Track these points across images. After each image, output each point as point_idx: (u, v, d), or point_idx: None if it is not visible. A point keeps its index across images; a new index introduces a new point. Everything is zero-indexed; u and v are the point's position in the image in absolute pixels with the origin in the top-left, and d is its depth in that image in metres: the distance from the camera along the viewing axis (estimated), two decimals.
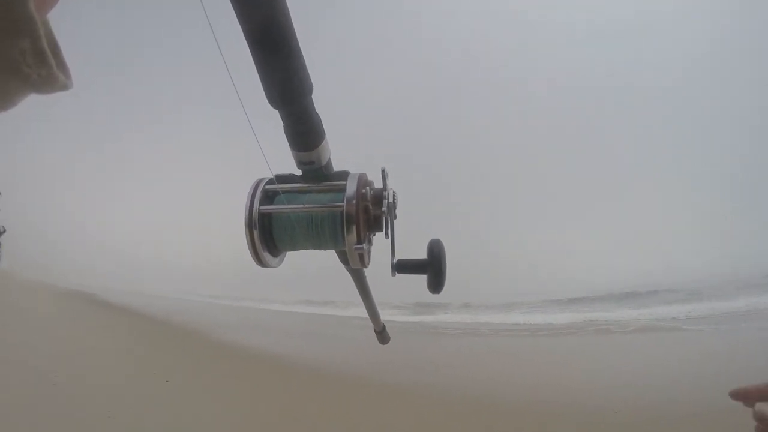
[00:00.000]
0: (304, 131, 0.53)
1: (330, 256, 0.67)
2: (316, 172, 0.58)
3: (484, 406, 4.38)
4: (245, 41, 0.45)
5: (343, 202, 0.55)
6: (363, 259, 0.57)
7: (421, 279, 0.61)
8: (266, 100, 0.49)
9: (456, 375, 5.90)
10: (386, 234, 0.59)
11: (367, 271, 0.74)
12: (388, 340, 1.04)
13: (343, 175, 0.59)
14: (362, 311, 0.91)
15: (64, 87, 0.37)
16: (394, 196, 0.59)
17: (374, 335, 1.05)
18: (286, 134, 0.54)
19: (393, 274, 0.61)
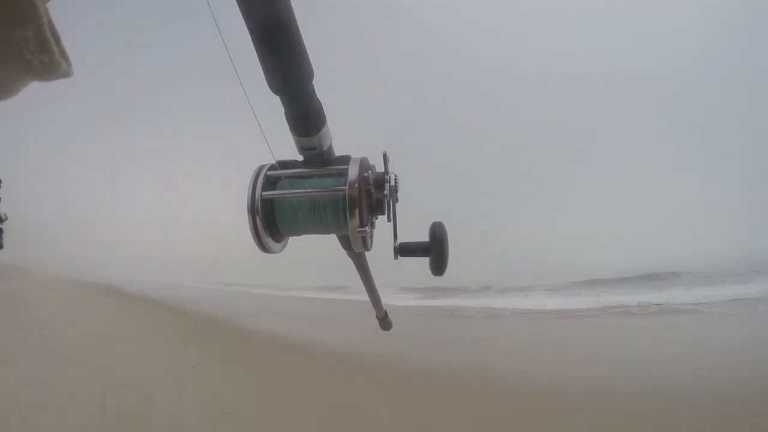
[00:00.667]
0: (305, 116, 0.53)
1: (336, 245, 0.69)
2: (318, 157, 0.59)
3: (503, 390, 4.40)
4: (246, 27, 0.45)
5: (345, 186, 0.55)
6: (366, 242, 0.58)
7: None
8: (267, 86, 0.50)
9: (475, 358, 5.93)
10: (388, 217, 0.59)
11: (380, 259, 0.73)
12: (390, 327, 1.04)
13: (345, 159, 0.59)
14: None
15: (66, 74, 0.38)
16: (395, 179, 0.59)
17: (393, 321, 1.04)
18: (287, 120, 0.54)
19: (396, 257, 0.61)
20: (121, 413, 3.40)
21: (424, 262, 0.61)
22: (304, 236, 0.64)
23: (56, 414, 3.32)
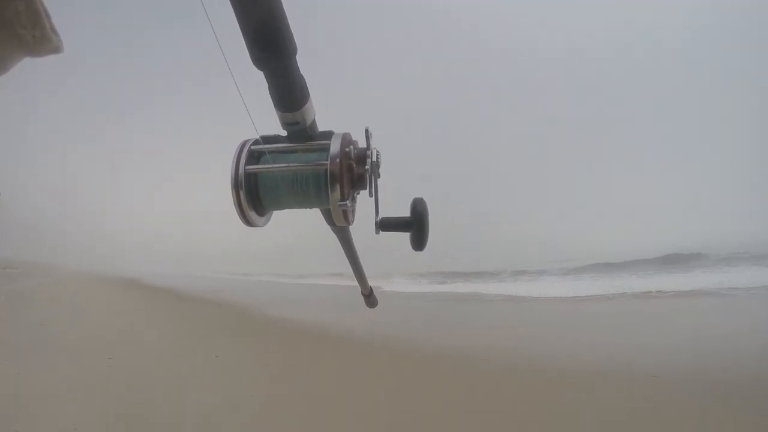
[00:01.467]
0: (288, 92, 0.53)
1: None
2: (302, 133, 0.59)
3: (523, 371, 4.37)
4: (230, 5, 0.45)
5: (327, 160, 0.56)
6: (347, 216, 0.59)
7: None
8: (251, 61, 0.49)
9: (495, 341, 5.90)
10: (370, 192, 0.59)
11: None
12: (376, 304, 1.05)
13: (328, 135, 0.59)
14: (389, 283, 0.86)
15: (57, 50, 0.38)
16: (377, 155, 0.59)
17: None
18: (270, 95, 0.54)
19: (377, 232, 0.61)
20: (146, 404, 3.44)
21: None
22: (314, 224, 0.66)
23: (83, 407, 3.36)
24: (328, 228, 0.70)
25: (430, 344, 5.48)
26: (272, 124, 0.59)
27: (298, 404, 3.55)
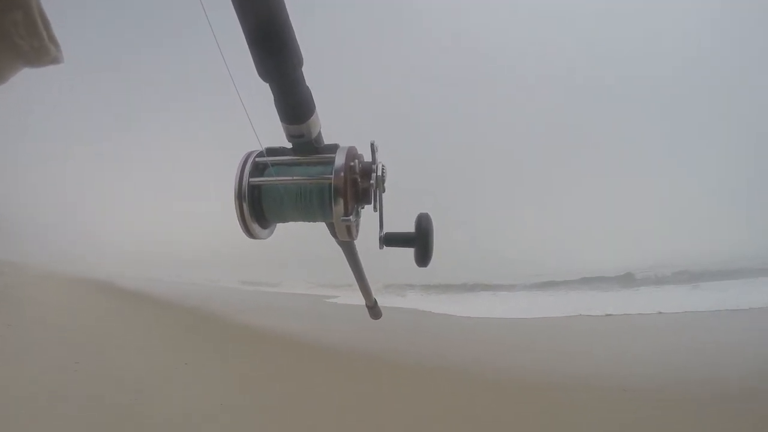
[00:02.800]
0: (294, 104, 0.53)
1: (329, 241, 0.69)
2: (307, 145, 0.58)
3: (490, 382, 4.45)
4: (236, 16, 0.45)
5: (331, 174, 0.55)
6: (350, 232, 0.58)
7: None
8: (257, 74, 0.50)
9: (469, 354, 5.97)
10: (374, 207, 0.59)
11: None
12: (380, 316, 1.04)
13: (333, 148, 0.59)
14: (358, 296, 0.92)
15: (55, 60, 0.38)
16: (383, 169, 0.59)
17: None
18: (276, 107, 0.54)
19: (381, 247, 0.62)
20: (113, 410, 3.40)
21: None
22: (291, 233, 0.66)
23: (48, 412, 3.31)
24: (304, 237, 0.70)
25: (398, 354, 5.54)
26: (276, 134, 0.59)
27: (268, 414, 3.56)
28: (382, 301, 1.05)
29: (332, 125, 0.62)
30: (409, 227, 0.61)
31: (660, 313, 8.61)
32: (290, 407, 3.73)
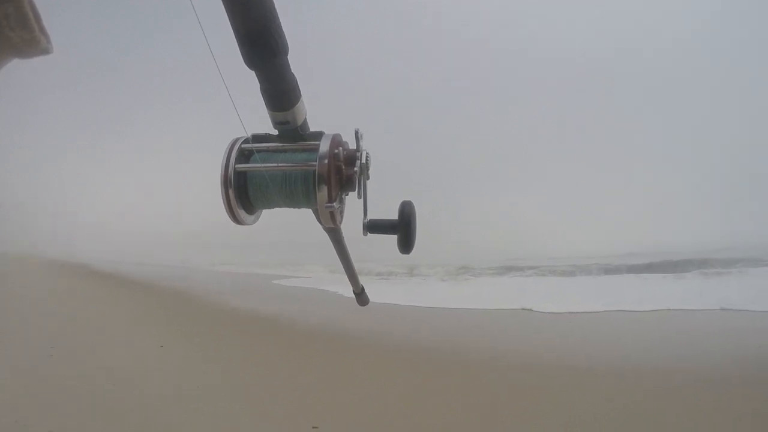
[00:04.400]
0: (279, 91, 0.54)
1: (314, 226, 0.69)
2: (292, 132, 0.59)
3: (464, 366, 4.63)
4: (221, 3, 0.45)
5: (316, 161, 0.56)
6: (334, 218, 0.58)
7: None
8: (243, 61, 0.50)
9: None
10: (358, 194, 0.60)
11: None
12: (367, 302, 1.03)
13: (319, 135, 0.59)
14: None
15: (46, 51, 0.39)
16: (367, 156, 0.60)
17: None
18: (262, 94, 0.55)
19: (365, 234, 0.62)
20: (89, 395, 3.46)
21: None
22: (271, 218, 0.67)
23: (23, 398, 3.35)
24: (284, 221, 0.70)
25: (376, 337, 5.72)
26: (262, 122, 0.58)
27: (244, 396, 3.62)
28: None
29: (318, 111, 0.62)
30: (392, 214, 0.62)
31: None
32: (268, 389, 3.80)
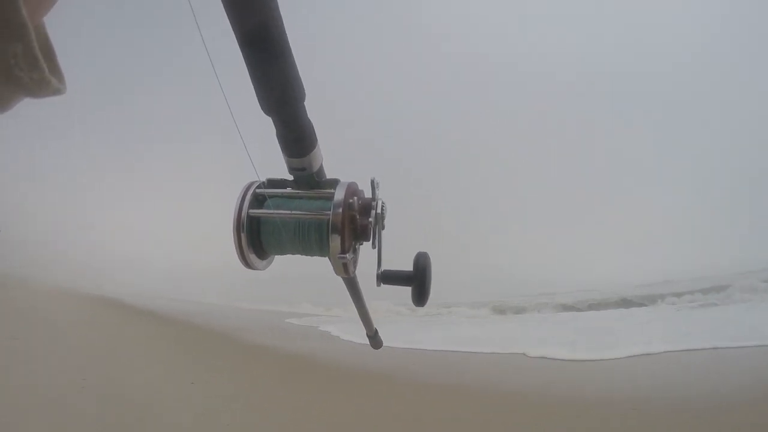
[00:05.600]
0: (295, 138, 0.53)
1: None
2: (308, 179, 0.59)
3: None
4: (239, 48, 0.45)
5: (330, 210, 0.55)
6: (347, 269, 0.57)
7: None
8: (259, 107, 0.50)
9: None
10: (373, 244, 0.59)
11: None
12: (381, 345, 1.04)
13: (334, 183, 0.59)
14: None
15: (58, 91, 0.38)
16: (382, 206, 0.59)
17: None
18: (278, 140, 0.54)
19: (378, 285, 0.61)
20: (120, 427, 3.36)
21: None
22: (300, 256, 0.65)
23: (54, 428, 3.26)
24: (313, 261, 0.70)
25: (400, 373, 5.44)
26: (276, 164, 0.59)
27: None
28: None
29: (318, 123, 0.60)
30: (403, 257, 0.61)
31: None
32: (299, 426, 3.66)
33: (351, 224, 0.56)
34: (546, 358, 6.13)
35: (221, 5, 0.43)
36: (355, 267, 0.61)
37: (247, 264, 0.60)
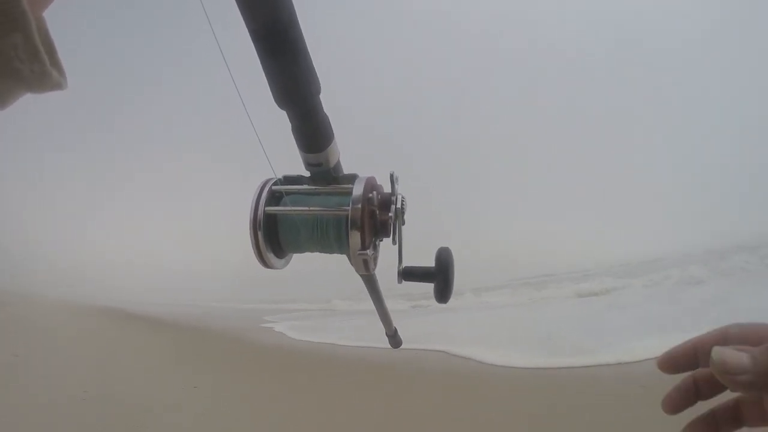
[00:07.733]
0: (311, 132, 0.53)
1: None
2: (325, 174, 0.57)
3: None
4: (252, 42, 0.44)
5: (349, 205, 0.54)
6: (368, 265, 0.56)
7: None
8: (273, 101, 0.49)
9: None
10: (393, 240, 0.58)
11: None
12: (400, 344, 1.01)
13: (352, 178, 0.57)
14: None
15: (59, 85, 0.37)
16: (402, 201, 0.57)
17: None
18: (294, 135, 0.53)
19: (399, 281, 0.60)
20: None
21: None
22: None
23: None
24: (320, 256, 0.67)
25: (410, 365, 5.44)
26: (282, 162, 0.58)
27: None
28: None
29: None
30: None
31: None
32: (298, 427, 3.67)
33: (371, 220, 0.55)
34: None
35: None
36: (375, 264, 0.60)
37: (266, 263, 0.59)
